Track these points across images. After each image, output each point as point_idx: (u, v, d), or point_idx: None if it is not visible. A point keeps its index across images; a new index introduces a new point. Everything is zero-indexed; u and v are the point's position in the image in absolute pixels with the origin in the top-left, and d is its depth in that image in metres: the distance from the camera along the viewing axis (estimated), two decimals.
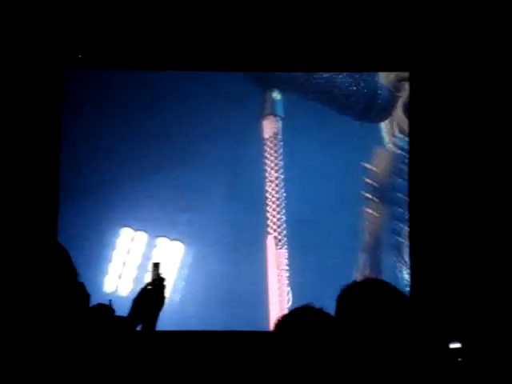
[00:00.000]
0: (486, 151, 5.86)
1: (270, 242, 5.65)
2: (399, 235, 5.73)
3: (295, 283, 5.63)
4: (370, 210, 5.73)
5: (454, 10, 5.78)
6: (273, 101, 5.73)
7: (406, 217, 5.72)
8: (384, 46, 5.82)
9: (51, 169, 5.86)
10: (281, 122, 5.73)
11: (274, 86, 5.75)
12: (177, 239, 5.73)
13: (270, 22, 5.80)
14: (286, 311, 5.14)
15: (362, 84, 5.75)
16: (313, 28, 5.82)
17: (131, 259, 5.72)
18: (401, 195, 5.77)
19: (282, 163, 5.69)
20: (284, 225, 5.67)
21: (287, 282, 5.64)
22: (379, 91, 5.75)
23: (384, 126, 5.80)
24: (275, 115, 5.73)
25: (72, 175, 5.74)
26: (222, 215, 5.69)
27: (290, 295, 5.63)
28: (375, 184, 5.76)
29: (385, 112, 5.79)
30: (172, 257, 5.70)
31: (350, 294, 1.83)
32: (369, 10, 5.79)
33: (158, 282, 2.59)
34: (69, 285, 2.03)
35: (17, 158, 5.84)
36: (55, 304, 1.99)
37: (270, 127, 5.72)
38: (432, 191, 5.84)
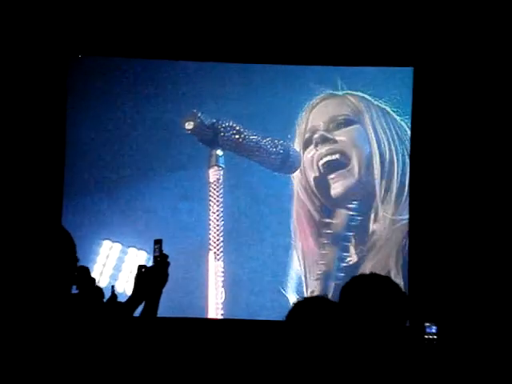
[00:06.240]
0: (490, 147, 6.35)
1: (211, 256, 7.87)
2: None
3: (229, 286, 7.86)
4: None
5: (458, 6, 6.29)
6: (216, 156, 7.95)
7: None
8: (388, 41, 6.51)
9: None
10: (222, 171, 7.96)
11: (218, 145, 7.95)
12: (142, 249, 7.84)
13: (274, 16, 6.63)
14: (220, 306, 7.36)
15: (279, 147, 7.99)
16: (319, 24, 6.64)
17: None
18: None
19: (222, 199, 7.92)
20: (221, 243, 7.89)
21: (222, 285, 7.85)
22: (291, 152, 8.00)
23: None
24: (218, 166, 7.95)
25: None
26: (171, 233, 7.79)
27: (224, 294, 7.84)
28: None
29: (294, 167, 8.03)
30: (139, 262, 7.78)
31: (355, 285, 1.96)
32: (374, 7, 6.41)
33: (160, 259, 2.48)
34: (73, 266, 2.07)
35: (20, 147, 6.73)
36: (61, 283, 2.05)
37: (214, 174, 7.96)
38: (433, 189, 6.56)
